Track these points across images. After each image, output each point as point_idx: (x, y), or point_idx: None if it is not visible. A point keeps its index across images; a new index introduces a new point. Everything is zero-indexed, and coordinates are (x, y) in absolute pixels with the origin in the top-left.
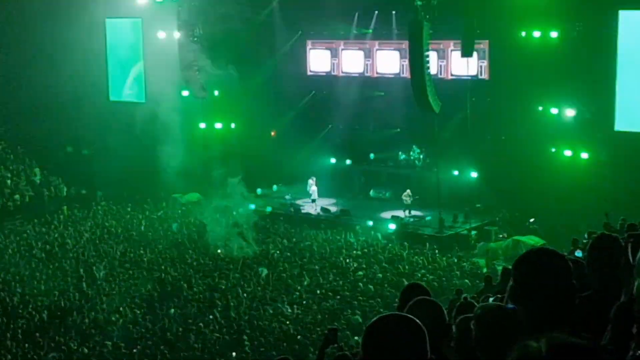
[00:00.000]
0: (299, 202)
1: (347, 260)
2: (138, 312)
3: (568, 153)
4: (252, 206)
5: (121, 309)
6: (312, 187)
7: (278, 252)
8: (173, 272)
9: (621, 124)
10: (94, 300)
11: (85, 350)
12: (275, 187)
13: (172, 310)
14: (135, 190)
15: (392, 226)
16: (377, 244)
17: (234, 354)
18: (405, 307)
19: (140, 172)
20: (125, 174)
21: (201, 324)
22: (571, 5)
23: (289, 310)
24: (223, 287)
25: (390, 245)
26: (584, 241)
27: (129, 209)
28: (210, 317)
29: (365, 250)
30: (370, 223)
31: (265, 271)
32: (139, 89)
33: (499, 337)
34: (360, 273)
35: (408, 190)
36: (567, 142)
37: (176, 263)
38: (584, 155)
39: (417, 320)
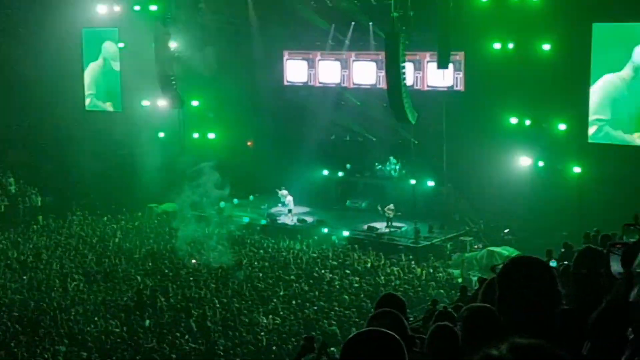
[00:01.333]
0: (274, 211)
1: (323, 271)
2: (113, 322)
3: (542, 164)
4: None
5: (96, 319)
6: (288, 197)
7: (254, 262)
8: (149, 282)
9: (594, 136)
10: (68, 310)
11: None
12: (251, 197)
13: (147, 321)
14: (111, 200)
15: (346, 233)
16: (352, 255)
17: None
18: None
19: (116, 181)
20: (101, 183)
21: (177, 334)
22: (545, 18)
23: (265, 320)
24: (198, 297)
25: (364, 256)
26: (562, 250)
27: (104, 219)
28: (186, 327)
29: (341, 260)
30: (346, 233)
31: (242, 275)
32: (116, 98)
33: (485, 337)
34: (337, 283)
35: (391, 205)
36: (541, 154)
37: (152, 273)
38: (558, 167)
39: (396, 336)
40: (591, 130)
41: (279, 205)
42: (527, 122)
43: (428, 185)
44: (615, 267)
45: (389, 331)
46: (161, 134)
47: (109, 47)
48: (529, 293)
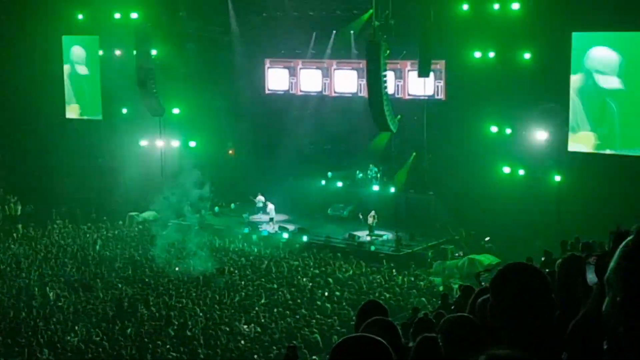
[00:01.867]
0: (254, 219)
1: (304, 279)
2: (93, 331)
3: (522, 173)
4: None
5: (76, 328)
6: (269, 206)
7: (235, 270)
8: (129, 291)
9: (574, 145)
10: (48, 319)
11: None
12: (233, 205)
13: (129, 330)
14: (92, 209)
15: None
16: (333, 263)
17: None
18: (361, 324)
19: (96, 190)
20: (81, 192)
21: (158, 343)
22: (526, 27)
23: (246, 328)
24: (180, 305)
25: (345, 264)
26: (542, 259)
27: (85, 228)
28: (167, 336)
29: (323, 268)
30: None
31: (222, 283)
32: (96, 106)
33: (465, 346)
34: (318, 292)
35: (373, 212)
36: (522, 162)
37: (132, 281)
38: (538, 175)
39: (384, 342)
40: (571, 138)
41: (260, 213)
42: (508, 131)
43: (409, 193)
44: (591, 276)
45: (377, 337)
46: (142, 142)
47: (76, 51)
48: (524, 301)
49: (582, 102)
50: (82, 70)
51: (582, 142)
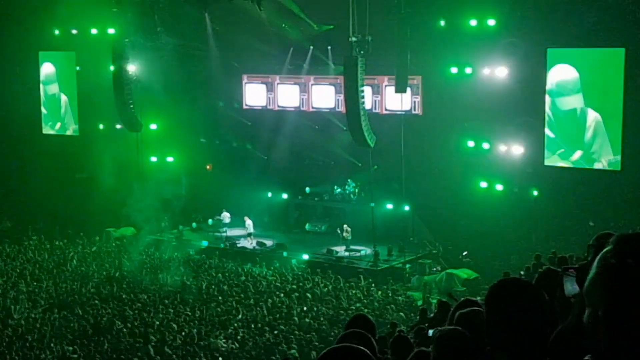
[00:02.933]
0: (233, 235)
1: (282, 295)
2: (70, 348)
3: (499, 187)
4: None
5: (52, 345)
6: (247, 222)
7: (213, 286)
8: (106, 307)
9: (550, 159)
10: (24, 336)
11: None
12: (210, 220)
13: (106, 346)
14: (68, 225)
15: (306, 256)
16: (311, 278)
17: None
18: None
19: (73, 205)
20: (58, 207)
21: None
22: (501, 43)
23: (224, 344)
24: (157, 322)
25: (324, 279)
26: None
27: (61, 244)
28: (145, 352)
29: (301, 284)
30: (306, 257)
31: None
32: (72, 122)
33: (455, 358)
34: (297, 307)
35: (345, 226)
36: (498, 177)
37: (109, 298)
38: (515, 190)
39: (368, 352)
40: (547, 153)
41: (225, 229)
42: (485, 146)
43: (387, 208)
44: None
45: (362, 347)
46: (119, 158)
47: (45, 70)
48: (519, 316)
49: (554, 119)
50: (53, 89)
51: (558, 157)
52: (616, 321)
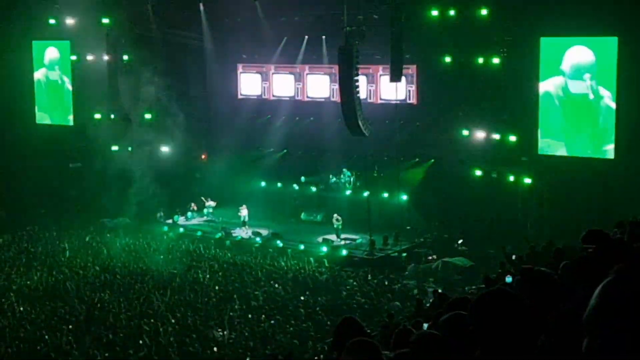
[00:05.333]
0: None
1: (278, 285)
2: (64, 339)
3: (494, 176)
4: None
5: (46, 337)
6: (243, 211)
7: (208, 276)
8: (100, 298)
9: (544, 148)
10: (16, 329)
11: None
12: (206, 210)
13: (101, 337)
14: (63, 215)
15: (325, 249)
16: (308, 267)
17: None
18: (339, 341)
19: (67, 196)
20: (52, 198)
21: (130, 351)
22: (495, 32)
23: (220, 334)
24: (152, 311)
25: (320, 268)
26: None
27: (55, 234)
28: (140, 343)
29: (297, 274)
30: (302, 247)
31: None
32: (67, 111)
33: None
34: (292, 297)
35: (336, 215)
36: (493, 165)
37: (104, 288)
38: (510, 178)
39: None
40: (541, 141)
41: (207, 216)
42: (479, 134)
43: (382, 196)
44: None
45: None
46: (114, 147)
47: (50, 54)
48: (503, 327)
49: (552, 106)
50: (55, 75)
51: (552, 145)
52: (613, 355)
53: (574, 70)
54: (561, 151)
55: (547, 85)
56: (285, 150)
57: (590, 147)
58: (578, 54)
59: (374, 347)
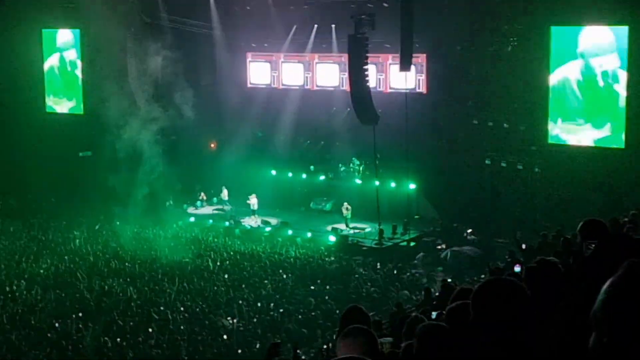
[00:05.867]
0: (237, 213)
1: (287, 274)
2: (74, 327)
3: (503, 164)
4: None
5: (56, 324)
6: (252, 199)
7: (217, 264)
8: (111, 286)
9: (554, 137)
10: (26, 316)
11: None
12: (215, 199)
13: (110, 326)
14: (73, 203)
15: (332, 238)
16: (317, 256)
17: None
18: (344, 329)
19: (78, 184)
20: (63, 186)
21: (139, 339)
22: (505, 21)
23: (229, 322)
24: (162, 300)
25: (329, 257)
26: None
27: (65, 222)
28: (149, 330)
29: (306, 263)
30: (311, 235)
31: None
32: (78, 99)
33: (438, 354)
34: (302, 286)
35: (346, 204)
36: (503, 154)
37: (114, 276)
38: (519, 167)
39: None
40: (551, 130)
41: (223, 205)
42: (489, 123)
43: (391, 186)
44: None
45: (363, 357)
46: (124, 136)
47: (64, 36)
48: (504, 316)
49: (570, 89)
50: (71, 55)
51: (570, 129)
52: (621, 352)
53: (593, 51)
54: (579, 135)
55: (565, 70)
56: (294, 140)
57: (610, 129)
58: (597, 35)
59: (369, 334)
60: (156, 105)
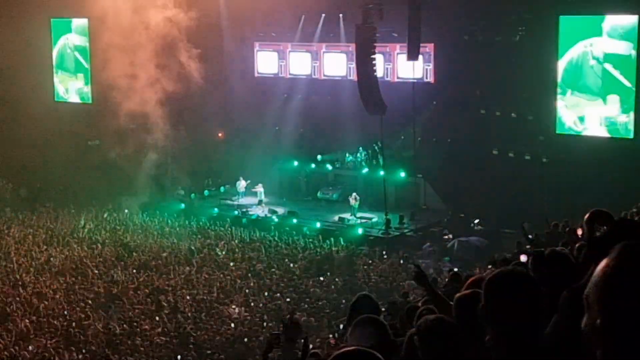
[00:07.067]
0: (242, 201)
1: (294, 263)
2: (82, 315)
3: (511, 155)
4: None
5: (65, 312)
6: (259, 189)
7: (225, 253)
8: (119, 274)
9: (562, 127)
10: (37, 303)
11: (27, 355)
12: (223, 188)
13: (118, 313)
14: (81, 192)
15: (341, 227)
16: (324, 246)
17: (179, 357)
18: (354, 318)
19: (86, 173)
20: (71, 175)
21: (146, 327)
22: (514, 10)
23: (235, 311)
24: (169, 289)
25: (335, 246)
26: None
27: (73, 211)
28: (157, 318)
29: (313, 252)
30: (318, 225)
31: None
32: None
33: (440, 348)
34: (307, 275)
35: (354, 194)
36: (510, 144)
37: (122, 265)
38: (527, 157)
39: (378, 355)
40: (559, 121)
41: (237, 197)
42: (497, 113)
43: (399, 175)
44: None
45: (371, 351)
46: (132, 126)
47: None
48: (514, 307)
49: (583, 65)
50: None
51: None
52: (613, 334)
53: (613, 30)
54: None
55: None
56: (302, 129)
57: (619, 109)
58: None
59: (379, 323)
60: (164, 94)
